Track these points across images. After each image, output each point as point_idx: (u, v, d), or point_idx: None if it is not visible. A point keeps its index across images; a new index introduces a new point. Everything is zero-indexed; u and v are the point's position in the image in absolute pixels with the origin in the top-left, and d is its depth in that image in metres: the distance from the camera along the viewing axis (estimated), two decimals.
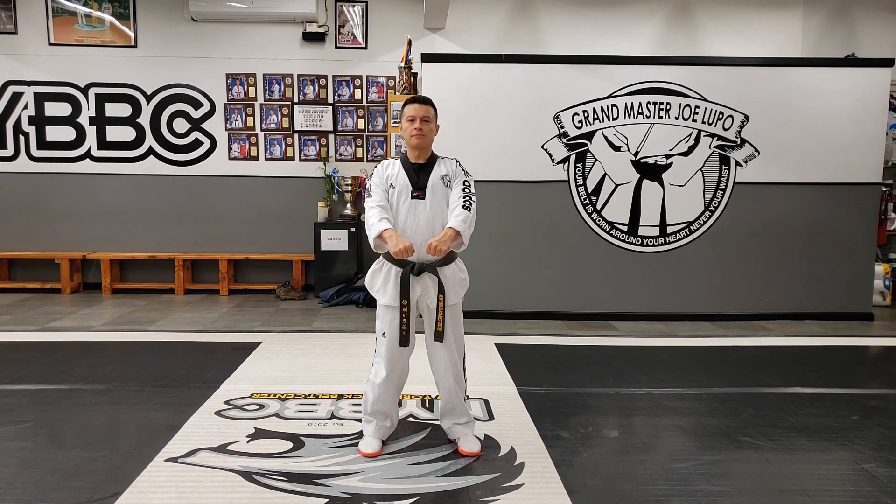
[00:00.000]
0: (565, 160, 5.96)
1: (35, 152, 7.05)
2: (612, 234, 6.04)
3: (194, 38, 6.98)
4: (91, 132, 7.06)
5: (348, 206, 6.99)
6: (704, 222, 6.06)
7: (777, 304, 6.13)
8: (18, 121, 7.02)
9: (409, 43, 6.14)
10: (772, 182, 6.04)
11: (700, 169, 6.02)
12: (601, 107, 5.93)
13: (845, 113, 6.03)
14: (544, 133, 5.92)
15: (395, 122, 6.01)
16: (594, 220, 6.02)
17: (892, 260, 7.30)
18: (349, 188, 6.97)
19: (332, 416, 3.56)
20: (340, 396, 3.88)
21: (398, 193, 3.06)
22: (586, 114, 5.93)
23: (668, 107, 5.95)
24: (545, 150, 5.93)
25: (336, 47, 7.05)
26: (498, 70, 5.90)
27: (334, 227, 6.78)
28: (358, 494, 2.72)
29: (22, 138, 7.03)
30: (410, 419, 3.55)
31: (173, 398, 3.80)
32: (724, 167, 6.02)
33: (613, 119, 5.95)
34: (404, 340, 3.06)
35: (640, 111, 5.95)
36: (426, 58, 5.88)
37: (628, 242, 6.06)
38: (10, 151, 7.04)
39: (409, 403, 3.77)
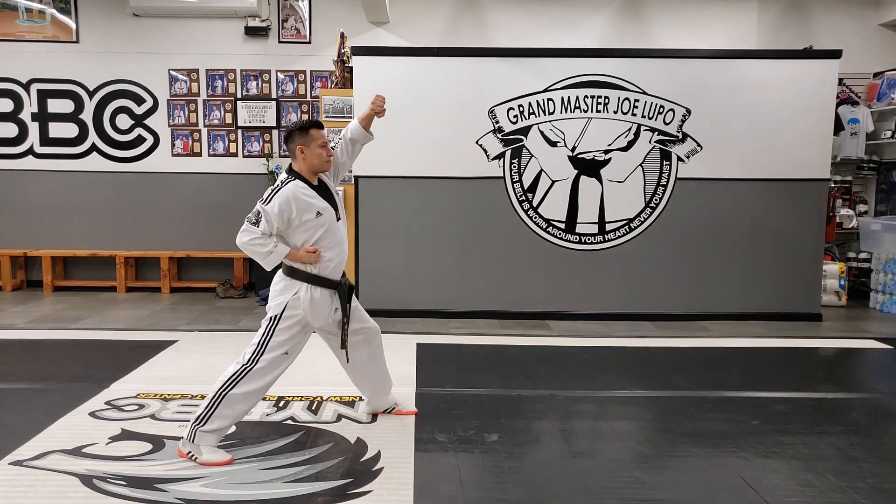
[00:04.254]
0: (500, 156, 5.82)
1: None
2: (549, 232, 5.90)
3: (136, 33, 6.88)
4: (33, 128, 6.98)
5: None
6: (645, 219, 5.90)
7: (720, 304, 5.96)
8: None
9: (342, 36, 6.01)
10: (715, 178, 5.88)
11: (640, 164, 5.86)
12: (537, 101, 5.79)
13: (792, 106, 5.85)
14: (479, 128, 5.78)
15: (326, 117, 5.89)
16: (530, 218, 5.88)
17: (849, 259, 7.12)
18: None
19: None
20: None
21: (326, 220, 3.06)
22: (521, 108, 5.79)
23: (607, 101, 5.80)
24: (480, 145, 5.80)
25: (279, 42, 6.93)
26: (431, 63, 5.77)
27: None
28: (192, 500, 2.61)
29: None
30: (289, 422, 3.43)
31: (55, 398, 3.69)
32: (665, 162, 5.86)
33: (549, 114, 5.80)
34: (344, 345, 3.18)
35: (577, 105, 5.80)
36: (357, 51, 5.75)
37: (566, 240, 5.91)
38: None
39: (294, 405, 3.65)
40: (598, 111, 5.81)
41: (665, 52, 5.94)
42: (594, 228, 5.91)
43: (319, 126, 3.12)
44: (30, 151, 7.00)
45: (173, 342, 4.94)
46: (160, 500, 2.60)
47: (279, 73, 6.97)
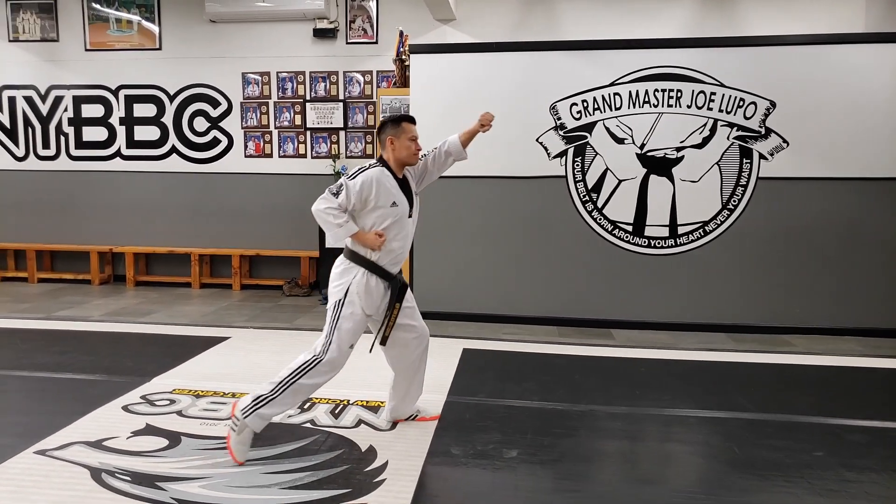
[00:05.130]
0: (562, 154, 5.54)
1: (73, 151, 7.46)
2: (614, 235, 5.55)
3: (212, 39, 7.12)
4: (121, 132, 7.38)
5: None
6: (722, 222, 5.44)
7: (808, 316, 5.39)
8: (60, 122, 7.45)
9: (401, 34, 5.93)
10: (803, 177, 5.33)
11: (717, 163, 5.40)
12: (602, 96, 5.46)
13: (892, 95, 5.21)
14: (539, 125, 5.53)
15: (384, 117, 5.81)
16: (595, 219, 5.56)
17: None
18: None
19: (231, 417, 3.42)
20: None
21: (399, 212, 3.03)
22: (586, 104, 5.48)
23: (679, 94, 5.39)
24: (540, 143, 5.54)
25: (347, 43, 6.96)
26: (489, 59, 5.58)
27: None
28: (186, 501, 2.56)
29: (62, 138, 7.46)
30: (308, 425, 3.35)
31: (98, 389, 3.80)
32: (745, 160, 5.37)
33: (616, 109, 5.46)
34: (384, 341, 3.16)
35: (646, 100, 5.42)
36: (414, 49, 5.65)
37: (633, 243, 5.54)
38: (52, 151, 7.49)
39: (318, 408, 3.57)
40: (669, 106, 5.41)
41: (745, 40, 5.44)
42: (665, 231, 5.51)
43: (412, 121, 3.14)
44: (118, 153, 7.41)
45: (226, 339, 5.01)
46: (156, 499, 2.57)
47: (346, 74, 7.00)
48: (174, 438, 3.15)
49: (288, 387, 2.92)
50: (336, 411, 3.53)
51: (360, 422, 3.39)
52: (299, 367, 2.95)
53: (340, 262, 3.10)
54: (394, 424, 3.36)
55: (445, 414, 3.50)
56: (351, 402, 3.65)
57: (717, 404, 3.73)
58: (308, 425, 3.34)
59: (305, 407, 3.58)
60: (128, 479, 2.74)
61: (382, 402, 3.58)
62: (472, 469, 2.87)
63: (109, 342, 4.95)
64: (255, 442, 3.10)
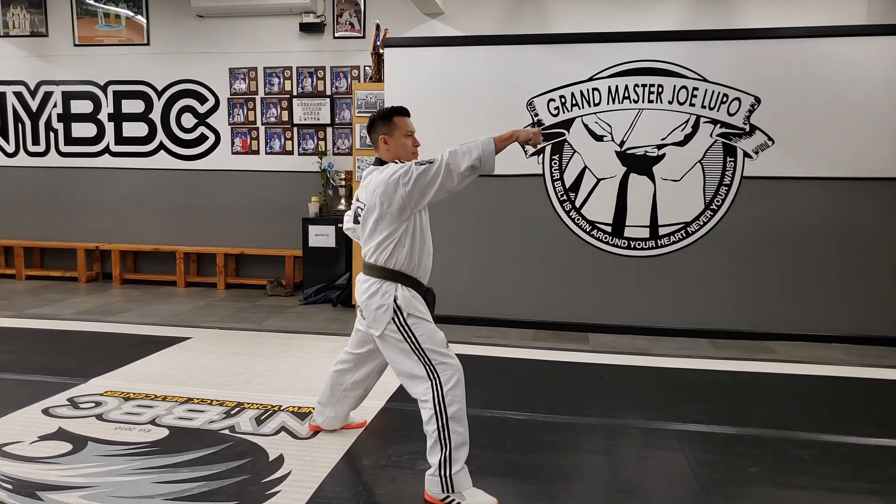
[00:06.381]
0: (539, 151, 5.31)
1: (63, 148, 7.47)
2: (593, 235, 5.30)
3: (199, 34, 7.05)
4: (110, 128, 7.37)
5: (342, 201, 6.74)
6: (705, 223, 5.15)
7: (794, 322, 5.07)
8: (49, 118, 7.48)
9: (378, 28, 5.76)
10: (790, 177, 5.01)
11: (699, 161, 5.11)
12: (580, 91, 5.21)
13: (885, 91, 4.87)
14: (516, 122, 5.28)
15: (359, 113, 5.67)
16: (573, 219, 5.31)
17: None
18: (343, 182, 6.72)
19: (151, 422, 3.30)
20: (188, 400, 3.62)
21: (425, 213, 2.70)
22: (563, 99, 5.25)
23: (660, 89, 5.12)
24: None
25: (334, 37, 6.83)
26: (465, 53, 5.38)
27: (322, 222, 6.54)
28: None
29: (52, 135, 7.49)
30: (226, 431, 3.20)
31: (27, 390, 3.71)
32: (729, 159, 5.08)
33: (595, 105, 5.21)
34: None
35: (626, 95, 5.16)
36: (388, 43, 5.49)
37: (612, 245, 5.28)
38: (42, 147, 7.52)
39: (245, 413, 3.43)
40: (650, 101, 5.14)
41: (729, 34, 5.15)
42: (645, 232, 5.24)
43: (404, 113, 2.74)
44: (106, 150, 7.40)
45: (186, 339, 4.91)
46: None
47: (333, 70, 6.86)
48: (80, 443, 3.03)
49: (448, 429, 2.49)
50: (262, 417, 3.38)
51: (281, 429, 3.23)
52: (435, 411, 2.51)
53: (371, 283, 2.66)
54: (316, 431, 3.19)
55: (375, 421, 3.33)
56: (282, 408, 3.50)
57: (668, 415, 3.48)
58: (226, 432, 3.19)
59: (233, 412, 3.44)
60: (9, 487, 2.62)
61: (312, 408, 3.41)
62: (377, 480, 2.70)
63: (65, 341, 4.87)
64: (165, 449, 2.98)
